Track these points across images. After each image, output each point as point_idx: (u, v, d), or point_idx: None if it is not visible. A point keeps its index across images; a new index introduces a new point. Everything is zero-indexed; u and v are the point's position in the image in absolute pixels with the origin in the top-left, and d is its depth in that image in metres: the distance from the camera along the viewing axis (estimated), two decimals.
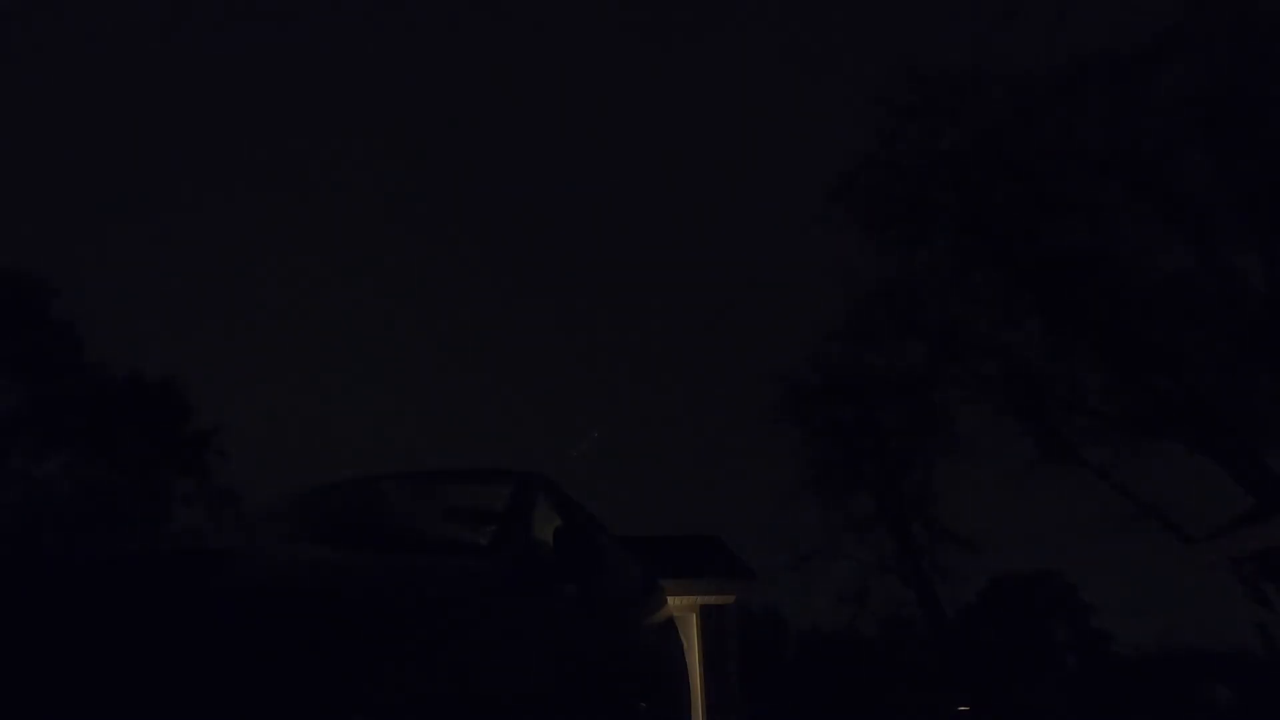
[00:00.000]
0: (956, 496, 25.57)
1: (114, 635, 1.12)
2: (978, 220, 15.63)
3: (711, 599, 10.80)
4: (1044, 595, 30.77)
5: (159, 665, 1.10)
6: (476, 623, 1.91)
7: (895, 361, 18.76)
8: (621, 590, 3.61)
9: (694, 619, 10.67)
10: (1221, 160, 12.94)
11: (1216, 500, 13.00)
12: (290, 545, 2.09)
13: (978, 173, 15.48)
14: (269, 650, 1.21)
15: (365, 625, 1.45)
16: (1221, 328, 13.08)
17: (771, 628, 31.85)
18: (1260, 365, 12.69)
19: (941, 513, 21.41)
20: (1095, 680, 26.93)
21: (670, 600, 5.76)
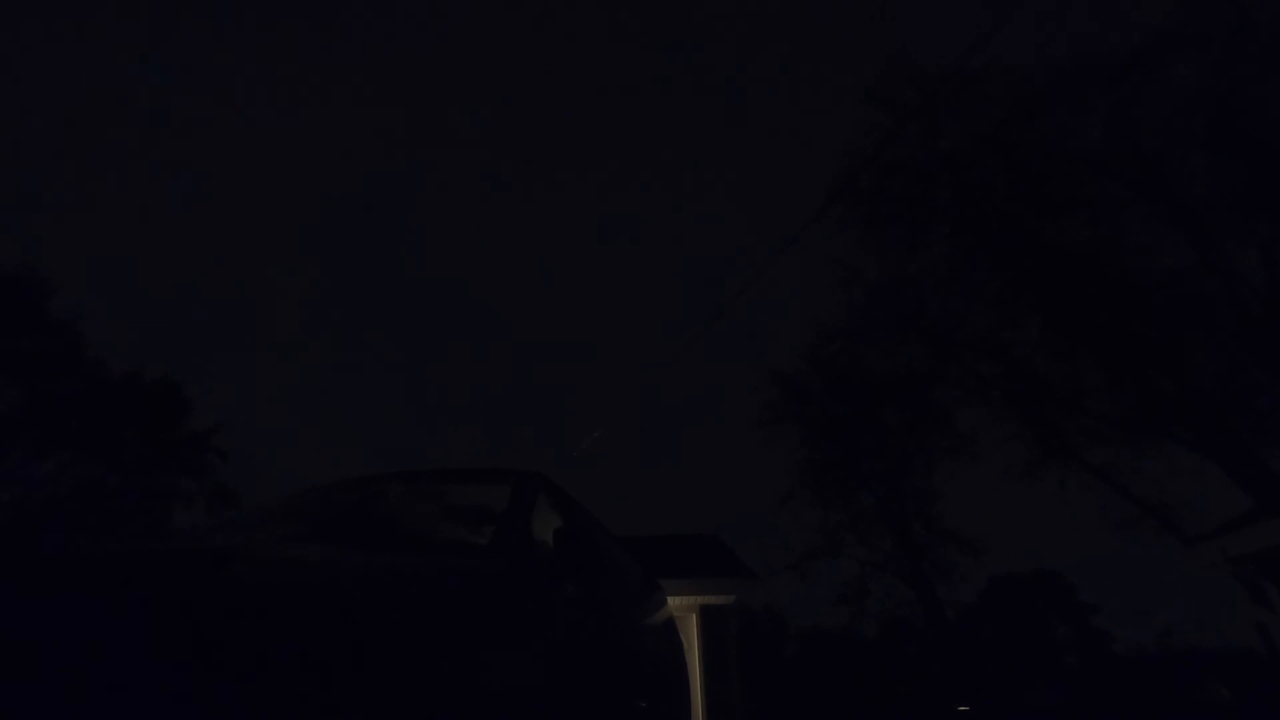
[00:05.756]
0: (956, 496, 25.59)
1: (113, 634, 1.12)
2: (978, 219, 15.62)
3: (711, 599, 10.79)
4: (1044, 595, 30.77)
5: (159, 664, 1.10)
6: (476, 623, 1.90)
7: (895, 361, 18.75)
8: (621, 590, 3.61)
9: (694, 619, 10.67)
10: (1222, 160, 12.93)
11: (1216, 500, 13.02)
12: (290, 545, 2.08)
13: (978, 172, 15.47)
14: (268, 650, 1.21)
15: (365, 625, 1.45)
16: (1221, 327, 13.07)
17: (771, 628, 31.85)
18: (1260, 365, 12.68)
19: (941, 513, 21.45)
20: (1095, 680, 26.92)
21: (670, 600, 5.76)
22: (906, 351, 18.04)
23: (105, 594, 1.21)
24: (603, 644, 3.02)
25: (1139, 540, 15.31)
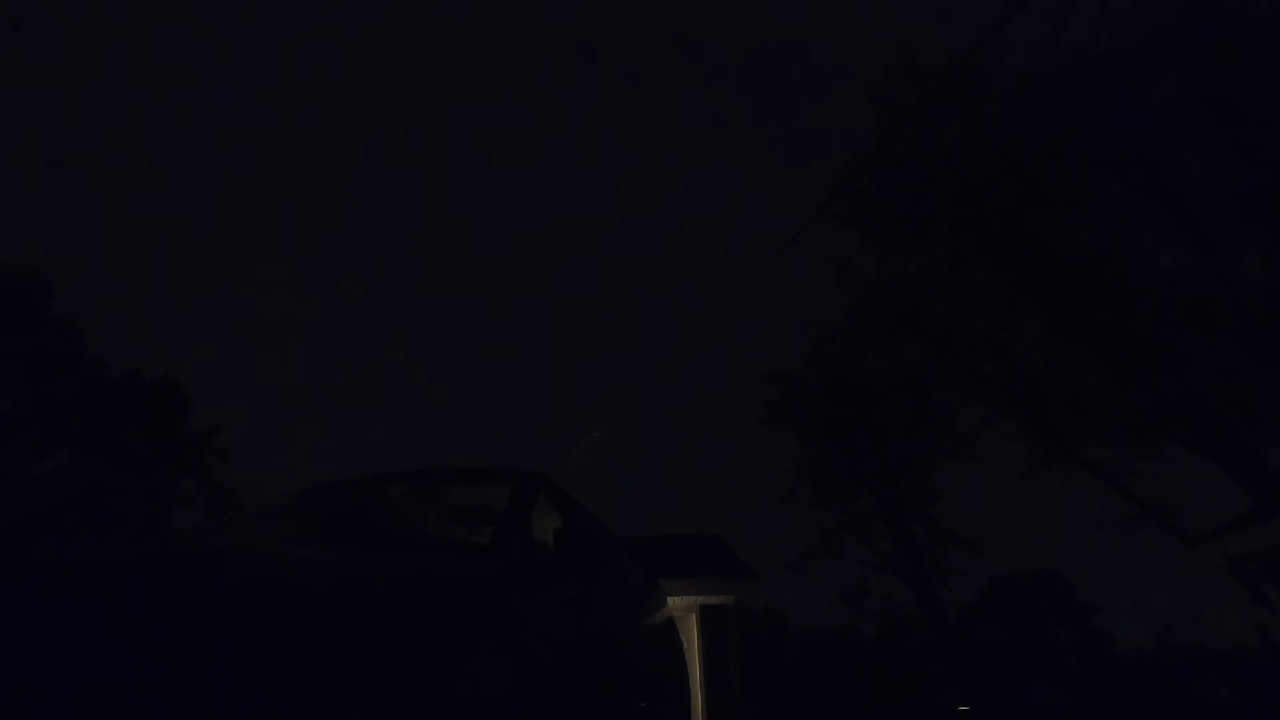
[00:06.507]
0: (956, 496, 25.58)
1: (113, 635, 1.12)
2: (978, 219, 15.62)
3: (711, 599, 10.79)
4: (1044, 595, 30.76)
5: (158, 665, 1.10)
6: (476, 623, 1.90)
7: (895, 361, 18.75)
8: (621, 590, 3.61)
9: (694, 619, 10.67)
10: (1221, 160, 12.93)
11: (1216, 500, 13.02)
12: (290, 545, 2.08)
13: (978, 172, 15.47)
14: (268, 650, 1.21)
15: (365, 625, 1.45)
16: (1221, 328, 13.07)
17: (771, 628, 31.84)
18: (1260, 365, 12.68)
19: (941, 513, 21.45)
20: (1095, 680, 26.92)
21: (670, 600, 5.76)
22: (906, 351, 18.05)
23: (104, 594, 1.21)
24: (603, 644, 3.02)
25: (1139, 540, 15.32)
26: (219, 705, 1.11)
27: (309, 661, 1.25)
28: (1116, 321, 14.02)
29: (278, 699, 1.17)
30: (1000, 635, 29.47)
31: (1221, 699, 21.16)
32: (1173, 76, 13.19)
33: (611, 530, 4.03)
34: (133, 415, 19.66)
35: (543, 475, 3.25)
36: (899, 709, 25.41)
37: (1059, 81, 14.07)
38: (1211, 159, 13.12)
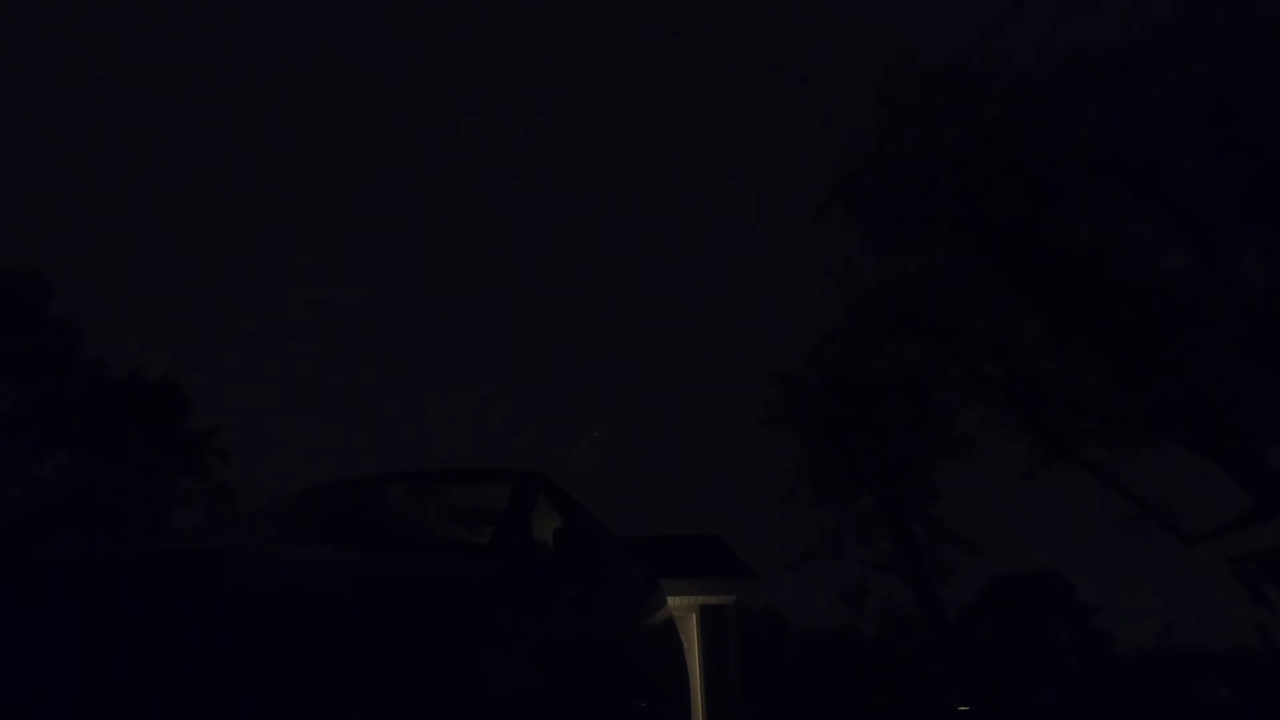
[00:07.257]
0: (956, 496, 25.58)
1: (113, 634, 1.12)
2: (978, 220, 15.62)
3: (711, 599, 10.79)
4: (1044, 595, 30.76)
5: (158, 664, 1.10)
6: (476, 622, 1.90)
7: (895, 361, 18.75)
8: (621, 590, 3.61)
9: (694, 619, 10.67)
10: (1222, 160, 12.94)
11: (1216, 500, 13.01)
12: (290, 545, 2.08)
13: (978, 172, 15.48)
14: (268, 649, 1.21)
15: (365, 625, 1.45)
16: (1221, 328, 13.07)
17: (771, 628, 31.84)
18: (1260, 365, 12.68)
19: (941, 513, 21.46)
20: (1095, 680, 26.92)
21: (670, 600, 5.75)
22: (906, 351, 18.05)
23: (105, 594, 1.21)
24: (603, 644, 3.02)
25: (1139, 540, 15.32)
26: (218, 703, 1.11)
27: (309, 661, 1.25)
28: (1116, 321, 14.02)
29: (277, 698, 1.17)
30: (1000, 635, 29.48)
31: (1221, 699, 21.18)
32: (1173, 76, 13.20)
33: (611, 530, 4.03)
34: (133, 415, 19.65)
35: (543, 475, 3.25)
36: (899, 709, 25.41)
37: (1059, 81, 14.07)
38: (1212, 158, 13.13)
